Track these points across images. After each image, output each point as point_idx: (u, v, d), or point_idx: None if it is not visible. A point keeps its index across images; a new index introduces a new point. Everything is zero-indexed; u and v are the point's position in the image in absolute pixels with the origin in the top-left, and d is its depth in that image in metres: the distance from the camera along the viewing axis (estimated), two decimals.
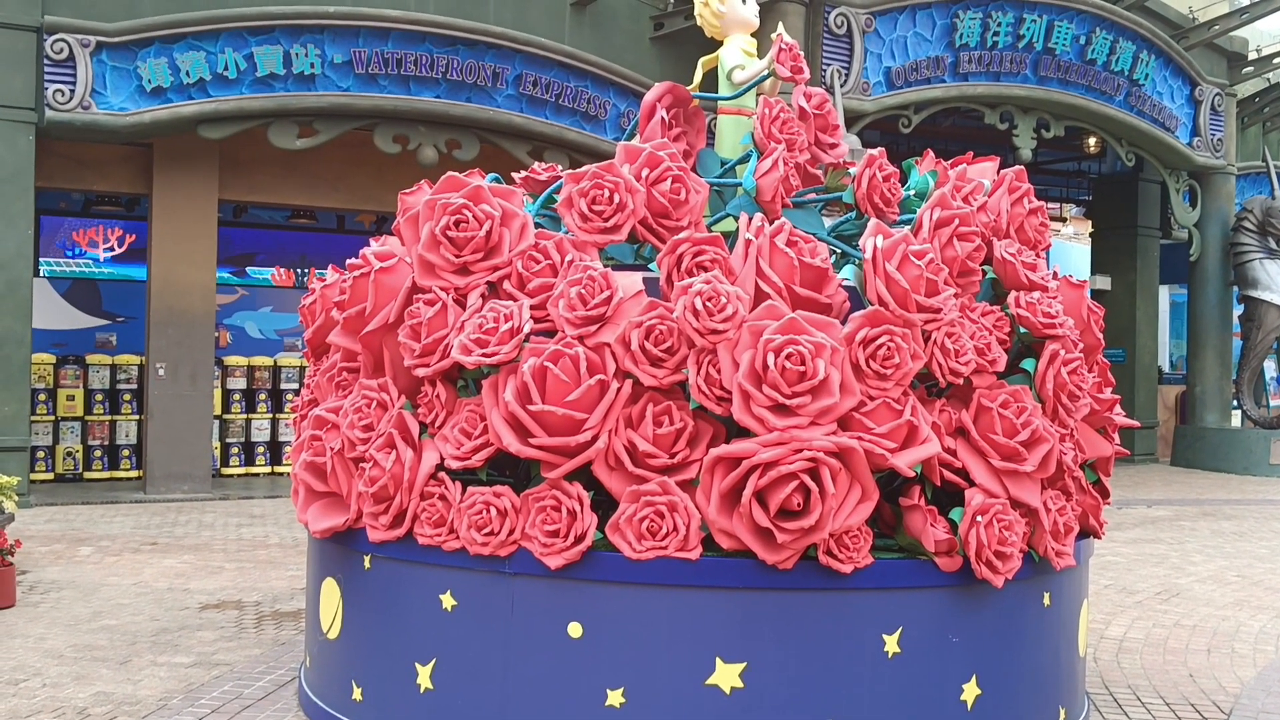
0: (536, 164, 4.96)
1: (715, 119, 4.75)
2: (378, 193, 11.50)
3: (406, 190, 4.49)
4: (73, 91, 9.51)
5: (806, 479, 3.38)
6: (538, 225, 4.17)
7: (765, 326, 3.55)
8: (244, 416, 12.66)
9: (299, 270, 13.78)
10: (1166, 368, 19.56)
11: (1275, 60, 14.50)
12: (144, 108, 9.74)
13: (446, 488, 3.70)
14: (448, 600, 3.67)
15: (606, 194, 3.88)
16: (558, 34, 11.10)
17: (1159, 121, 14.05)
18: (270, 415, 12.80)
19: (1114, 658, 5.38)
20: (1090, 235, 17.82)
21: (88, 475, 11.99)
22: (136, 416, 12.11)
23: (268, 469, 12.69)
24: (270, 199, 11.87)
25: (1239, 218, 14.92)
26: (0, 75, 9.48)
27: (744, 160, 4.47)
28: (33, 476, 10.64)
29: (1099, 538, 4.28)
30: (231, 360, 12.66)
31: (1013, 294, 3.97)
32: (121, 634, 5.45)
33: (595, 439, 3.54)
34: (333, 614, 4.09)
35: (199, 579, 6.85)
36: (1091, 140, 15.11)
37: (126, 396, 12.19)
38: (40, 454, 11.66)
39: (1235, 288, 15.06)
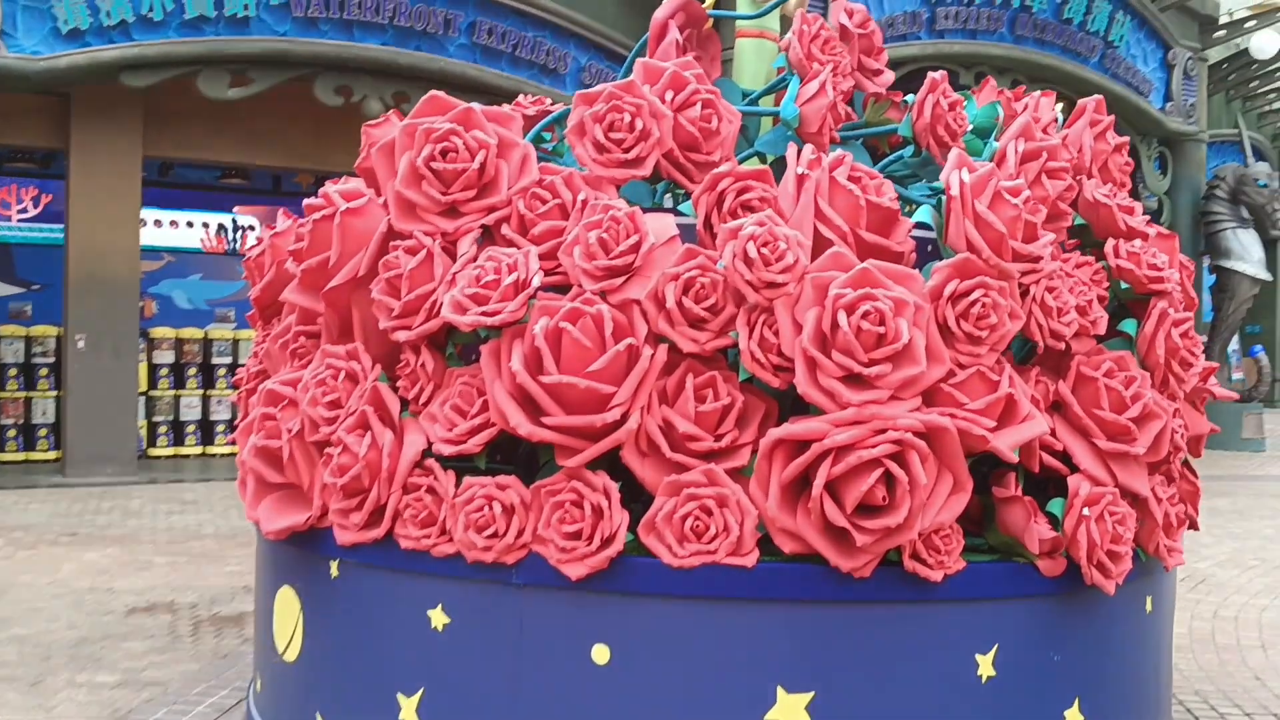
0: (522, 96, 4.24)
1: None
2: (317, 150, 10.72)
3: (372, 123, 3.79)
4: None
5: (892, 466, 2.73)
6: None
7: (832, 278, 2.88)
8: (172, 393, 11.91)
9: (231, 234, 12.91)
10: None
11: (1247, 25, 14.11)
12: (60, 51, 8.89)
13: (436, 478, 3.00)
14: (438, 617, 2.97)
15: (627, 119, 3.18)
16: None
17: (1133, 85, 13.62)
18: (201, 391, 12.06)
19: None
20: None
21: (1, 457, 11.08)
22: (54, 393, 11.25)
23: (199, 449, 11.92)
24: (200, 156, 11.10)
25: (1211, 186, 14.56)
26: None
27: (777, 87, 3.80)
28: None
29: (1196, 529, 3.68)
30: (158, 332, 11.88)
31: (1110, 242, 3.35)
32: (34, 646, 4.67)
33: (625, 418, 2.86)
34: (290, 630, 3.37)
35: (125, 576, 6.07)
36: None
37: (43, 371, 11.34)
38: None
39: (1205, 258, 14.71)
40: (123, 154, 10.16)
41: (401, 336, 3.09)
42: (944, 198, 3.13)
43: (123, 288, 10.31)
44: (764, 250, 2.85)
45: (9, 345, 11.24)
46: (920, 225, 3.23)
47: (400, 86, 9.97)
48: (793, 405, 3.03)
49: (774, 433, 2.83)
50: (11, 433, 11.17)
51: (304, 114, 10.48)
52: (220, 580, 6.00)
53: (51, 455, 11.14)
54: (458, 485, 2.98)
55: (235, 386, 4.10)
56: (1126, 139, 3.73)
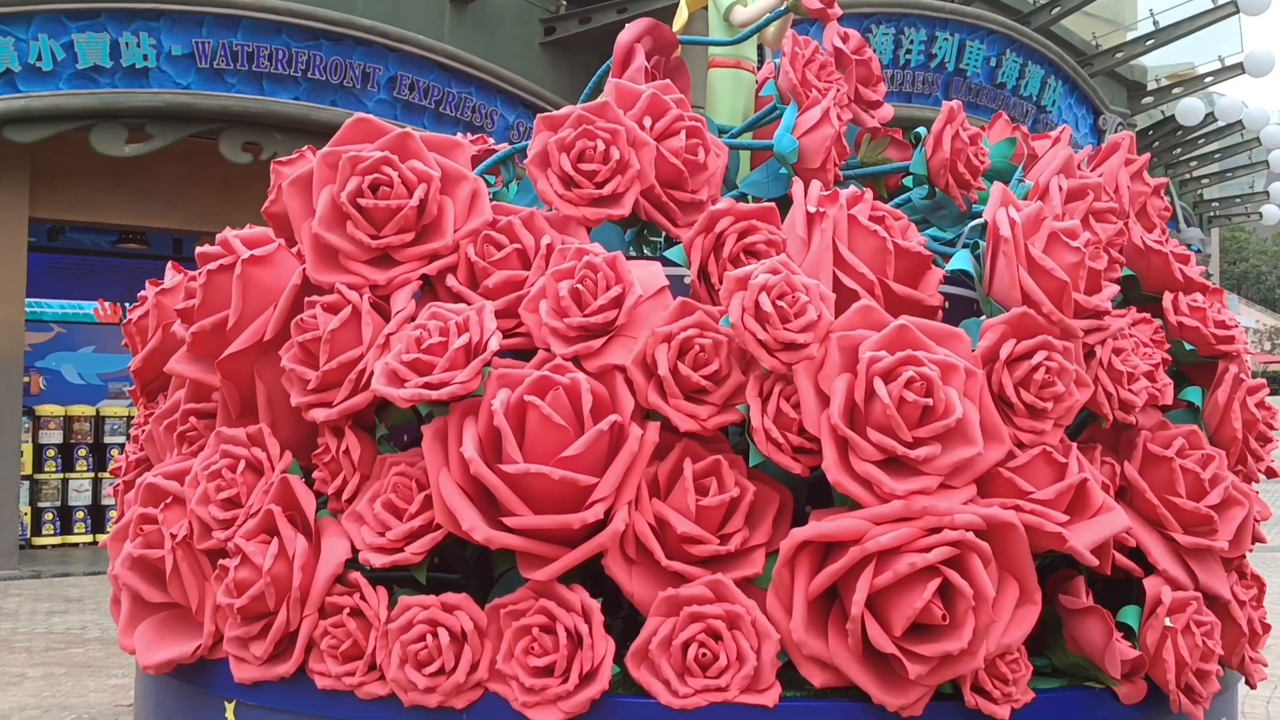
0: (461, 134, 3.67)
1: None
2: (223, 211, 10.02)
3: (281, 160, 3.24)
4: None
5: (952, 575, 2.16)
6: None
7: (863, 338, 2.33)
8: (60, 476, 11.18)
9: (126, 304, 12.15)
10: None
11: (1174, 91, 14.17)
12: None
13: (363, 597, 2.37)
14: None
15: (600, 148, 2.62)
16: (436, 33, 9.86)
17: None
18: (91, 474, 11.36)
19: None
20: None
21: None
22: None
23: (89, 537, 11.18)
24: (93, 218, 10.42)
25: None
26: None
27: (762, 121, 3.28)
28: None
29: (1267, 630, 3.16)
30: (45, 410, 11.14)
31: (1168, 295, 2.86)
32: None
33: (609, 516, 2.25)
34: None
35: None
36: None
37: None
38: None
39: None
40: (6, 216, 9.55)
41: (319, 416, 2.46)
42: (982, 242, 2.62)
43: (6, 363, 9.71)
44: (780, 303, 2.29)
45: None
46: (950, 276, 2.71)
47: (313, 142, 9.28)
48: (809, 495, 2.48)
49: (798, 533, 2.25)
50: None
51: (208, 173, 9.97)
52: (102, 696, 5.23)
53: None
54: (391, 606, 2.34)
55: (114, 476, 3.41)
56: (1165, 180, 3.27)
